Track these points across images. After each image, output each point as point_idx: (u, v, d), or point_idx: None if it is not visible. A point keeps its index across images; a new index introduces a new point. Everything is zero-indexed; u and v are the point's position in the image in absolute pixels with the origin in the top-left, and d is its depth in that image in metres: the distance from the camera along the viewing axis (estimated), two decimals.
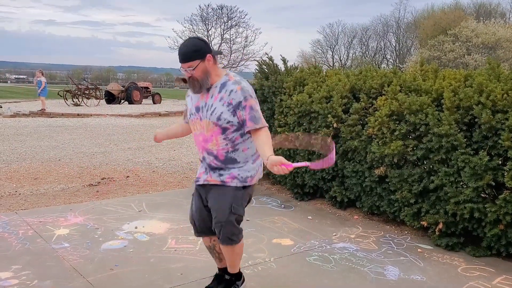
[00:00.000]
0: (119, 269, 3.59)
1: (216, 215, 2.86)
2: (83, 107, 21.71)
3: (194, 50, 2.73)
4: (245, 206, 2.99)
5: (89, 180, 6.70)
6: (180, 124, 3.23)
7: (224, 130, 2.80)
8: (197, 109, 2.86)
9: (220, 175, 2.89)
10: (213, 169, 2.90)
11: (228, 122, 2.78)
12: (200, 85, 2.79)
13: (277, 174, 2.61)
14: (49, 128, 13.34)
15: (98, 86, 26.69)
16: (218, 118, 2.77)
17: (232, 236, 2.89)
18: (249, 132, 2.78)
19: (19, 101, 26.45)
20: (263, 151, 2.67)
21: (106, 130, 13.22)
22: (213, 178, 2.89)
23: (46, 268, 3.57)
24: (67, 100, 23.18)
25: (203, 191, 2.97)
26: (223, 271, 3.22)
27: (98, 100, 24.57)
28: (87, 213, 4.95)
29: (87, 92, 24.53)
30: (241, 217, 2.94)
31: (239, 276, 3.18)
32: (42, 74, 19.11)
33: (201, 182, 2.96)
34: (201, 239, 3.25)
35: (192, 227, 3.14)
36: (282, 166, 2.55)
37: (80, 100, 23.33)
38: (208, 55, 2.75)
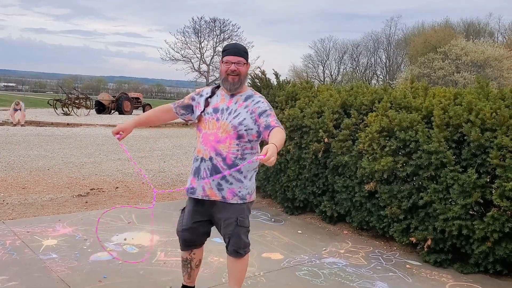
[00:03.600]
0: (107, 281, 3.56)
1: (224, 227, 2.98)
2: (73, 117, 21.58)
3: (246, 51, 3.05)
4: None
5: (78, 191, 6.65)
6: (163, 110, 3.24)
7: (239, 136, 2.93)
8: (215, 110, 2.99)
9: (220, 188, 2.94)
10: (215, 172, 2.92)
11: (246, 130, 2.93)
12: (240, 83, 2.98)
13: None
14: (38, 137, 13.23)
15: (88, 96, 26.58)
16: (240, 123, 2.92)
17: (239, 249, 3.00)
18: (266, 136, 2.87)
19: (8, 109, 26.19)
20: (271, 139, 2.76)
21: (96, 140, 13.15)
22: (213, 192, 2.95)
23: (33, 279, 3.53)
24: (57, 109, 23.06)
25: (201, 205, 3.02)
26: None
27: (88, 110, 24.45)
28: (75, 224, 4.91)
29: (77, 102, 24.41)
30: (248, 228, 3.05)
31: None
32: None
33: (199, 197, 2.99)
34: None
35: (179, 241, 3.15)
36: (262, 154, 2.54)
37: (70, 109, 23.21)
38: (249, 63, 3.05)
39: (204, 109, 3.04)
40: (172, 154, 11.07)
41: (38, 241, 4.35)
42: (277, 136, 2.77)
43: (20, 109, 17.17)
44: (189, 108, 3.14)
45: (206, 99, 3.06)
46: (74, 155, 10.04)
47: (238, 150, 2.93)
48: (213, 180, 2.92)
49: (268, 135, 2.85)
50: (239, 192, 2.96)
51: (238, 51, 2.98)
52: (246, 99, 3.00)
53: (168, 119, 3.28)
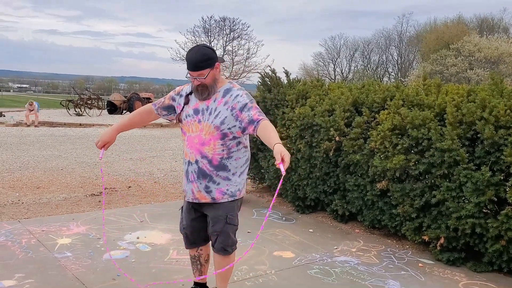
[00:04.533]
0: (121, 279, 3.60)
1: (212, 225, 2.96)
2: (85, 117, 21.78)
3: (205, 59, 2.81)
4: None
5: (91, 190, 6.72)
6: (145, 111, 3.18)
7: (223, 136, 2.86)
8: (196, 112, 2.91)
9: (208, 190, 2.92)
10: (202, 176, 2.90)
11: (230, 128, 2.85)
12: (209, 92, 2.87)
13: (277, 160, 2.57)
14: (51, 137, 13.38)
15: (100, 96, 26.83)
16: (222, 122, 2.84)
17: (226, 247, 2.99)
18: (251, 130, 2.80)
19: (21, 110, 26.50)
20: (269, 137, 2.68)
21: None
22: (203, 195, 2.93)
23: (48, 277, 3.58)
24: (69, 109, 23.29)
25: (195, 204, 3.03)
26: (199, 286, 3.26)
27: (100, 110, 24.68)
28: (89, 223, 4.96)
29: (90, 102, 24.66)
30: (236, 227, 3.03)
31: None
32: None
33: (189, 199, 3.00)
34: None
35: (183, 239, 3.20)
36: (279, 163, 2.53)
37: (82, 110, 23.44)
38: (216, 63, 2.86)
39: (183, 108, 2.98)
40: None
41: (53, 239, 4.41)
42: (272, 132, 2.69)
43: (33, 110, 17.41)
44: (171, 108, 3.09)
45: (186, 96, 2.99)
46: (87, 155, 10.14)
47: (223, 150, 2.88)
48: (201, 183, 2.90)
49: (255, 130, 2.78)
50: (227, 190, 2.93)
51: (195, 66, 2.79)
52: (224, 94, 2.89)
53: (150, 120, 3.23)
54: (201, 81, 2.82)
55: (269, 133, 2.69)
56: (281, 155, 2.51)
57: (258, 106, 2.88)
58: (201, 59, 2.80)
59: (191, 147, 2.93)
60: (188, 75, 2.86)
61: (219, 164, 2.89)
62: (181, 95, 3.04)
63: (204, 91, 2.86)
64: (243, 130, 2.86)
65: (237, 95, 2.88)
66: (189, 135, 2.94)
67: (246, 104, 2.83)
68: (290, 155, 2.54)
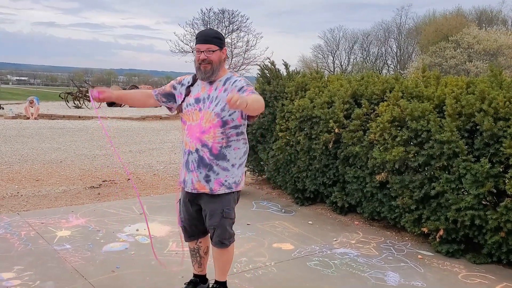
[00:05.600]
0: (120, 271, 3.61)
1: (209, 219, 2.98)
2: (84, 110, 21.73)
3: (217, 36, 2.92)
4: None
5: (90, 182, 6.71)
6: (146, 94, 3.23)
7: (224, 123, 2.88)
8: (197, 101, 2.94)
9: (208, 180, 2.92)
10: (202, 165, 2.91)
11: (230, 115, 2.87)
12: (213, 71, 2.89)
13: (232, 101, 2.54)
14: (50, 130, 13.35)
15: None
16: (222, 109, 2.86)
17: (223, 240, 3.00)
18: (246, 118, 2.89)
19: (20, 102, 26.45)
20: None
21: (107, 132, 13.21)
22: (202, 185, 2.93)
23: (48, 269, 3.58)
24: (68, 102, 23.23)
25: (192, 196, 3.03)
26: (199, 278, 3.26)
27: (99, 103, 24.61)
28: (88, 215, 4.96)
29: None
30: (233, 220, 3.04)
31: (225, 286, 3.19)
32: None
33: (188, 190, 3.00)
34: None
35: (182, 232, 3.21)
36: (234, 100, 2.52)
37: (81, 102, 23.37)
38: (224, 48, 2.94)
39: (184, 98, 3.01)
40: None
41: (52, 232, 4.41)
42: (251, 95, 2.75)
43: (33, 106, 17.36)
44: (171, 96, 3.11)
45: (187, 88, 3.02)
46: (86, 148, 10.12)
47: (223, 139, 2.89)
48: (200, 173, 2.92)
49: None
50: (225, 181, 2.94)
51: (207, 38, 2.87)
52: (224, 82, 2.93)
53: (147, 104, 3.24)
54: (208, 56, 2.85)
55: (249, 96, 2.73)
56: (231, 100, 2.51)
57: (255, 90, 2.90)
58: (213, 35, 2.91)
59: (191, 136, 2.94)
60: (196, 50, 2.88)
61: (219, 153, 2.90)
62: (182, 84, 3.07)
63: (207, 69, 2.88)
64: (242, 113, 2.89)
65: (236, 80, 2.93)
66: (190, 124, 2.96)
67: (242, 87, 2.87)
68: (242, 101, 2.51)
